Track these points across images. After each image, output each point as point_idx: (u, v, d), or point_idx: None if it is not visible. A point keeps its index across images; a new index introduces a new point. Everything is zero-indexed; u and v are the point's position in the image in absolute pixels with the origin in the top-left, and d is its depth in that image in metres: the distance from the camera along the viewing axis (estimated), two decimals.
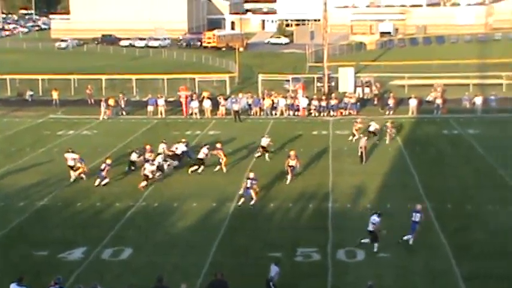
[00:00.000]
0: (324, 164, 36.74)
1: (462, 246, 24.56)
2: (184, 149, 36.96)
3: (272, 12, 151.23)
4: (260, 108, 52.39)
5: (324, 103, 51.91)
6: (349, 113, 51.28)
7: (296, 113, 51.75)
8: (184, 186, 32.81)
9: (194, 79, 63.41)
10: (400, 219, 27.32)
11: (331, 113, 51.34)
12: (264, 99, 53.22)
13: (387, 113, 50.94)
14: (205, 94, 54.68)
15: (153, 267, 23.10)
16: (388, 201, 29.97)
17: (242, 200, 30.01)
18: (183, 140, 38.10)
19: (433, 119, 49.21)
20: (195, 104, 51.83)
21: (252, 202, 29.85)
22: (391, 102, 51.49)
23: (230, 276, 20.72)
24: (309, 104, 52.02)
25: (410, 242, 24.78)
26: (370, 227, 24.57)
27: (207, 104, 51.92)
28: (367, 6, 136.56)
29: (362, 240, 24.79)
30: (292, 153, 33.73)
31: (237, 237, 26.30)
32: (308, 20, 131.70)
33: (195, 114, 51.31)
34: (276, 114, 51.82)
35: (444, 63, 74.20)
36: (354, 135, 41.49)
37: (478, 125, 46.35)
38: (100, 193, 31.85)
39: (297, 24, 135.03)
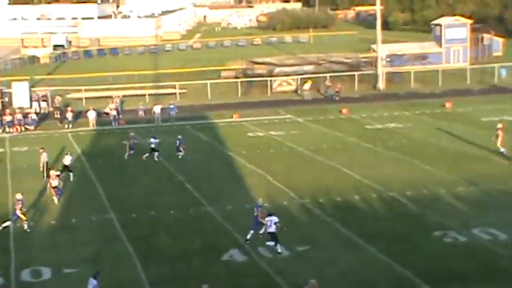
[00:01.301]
0: (3, 182, 35.08)
1: (148, 252, 25.09)
2: None
3: None
4: None
5: None
6: (26, 129, 49.67)
7: None
8: None
9: None
10: (85, 233, 27.16)
11: (7, 129, 49.21)
12: None
13: (66, 126, 50.28)
14: None
15: None
16: (73, 215, 29.56)
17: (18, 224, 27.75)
18: None
19: (113, 130, 49.61)
20: None
21: (24, 224, 27.78)
22: (69, 115, 50.91)
23: None
24: None
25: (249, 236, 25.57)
26: (273, 229, 24.47)
27: None
28: (38, 18, 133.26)
29: (267, 243, 24.68)
30: (52, 172, 32.13)
31: None
32: None
33: None
34: None
35: (120, 74, 75.21)
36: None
37: (156, 133, 47.64)
38: None
39: None
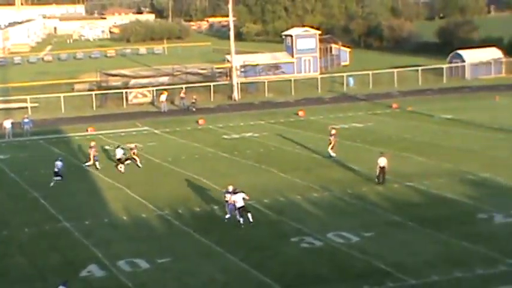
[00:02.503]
0: None
1: (1, 273, 24.16)
2: None
3: None
4: None
5: None
6: None
7: None
8: None
9: None
10: None
11: None
12: None
13: None
14: None
15: None
16: None
17: None
18: None
19: None
20: None
21: None
22: None
23: None
24: None
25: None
26: (241, 203, 27.91)
27: None
28: None
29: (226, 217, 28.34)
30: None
31: None
32: None
33: None
34: None
35: None
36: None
37: (7, 149, 46.04)
38: None
39: None
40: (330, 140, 39.88)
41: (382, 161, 33.70)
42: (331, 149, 39.63)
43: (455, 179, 34.02)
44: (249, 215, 28.09)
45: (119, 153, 38.95)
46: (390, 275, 22.66)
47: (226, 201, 28.74)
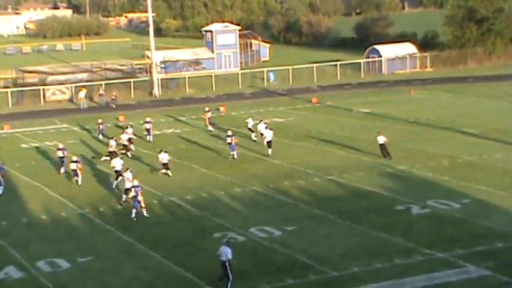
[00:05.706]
0: None
1: None
2: None
3: None
4: None
5: None
6: None
7: None
8: None
9: None
10: None
11: None
12: None
13: None
14: None
15: None
16: None
17: None
18: None
19: None
20: None
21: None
22: None
23: None
24: None
25: None
26: (269, 138, 37.60)
27: None
28: None
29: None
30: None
31: None
32: None
33: None
34: None
35: None
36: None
37: None
38: None
39: None
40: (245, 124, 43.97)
41: (381, 139, 36.68)
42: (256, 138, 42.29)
43: (373, 172, 34.77)
44: (270, 150, 37.79)
45: (165, 158, 35.31)
46: (312, 268, 23.02)
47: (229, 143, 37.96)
